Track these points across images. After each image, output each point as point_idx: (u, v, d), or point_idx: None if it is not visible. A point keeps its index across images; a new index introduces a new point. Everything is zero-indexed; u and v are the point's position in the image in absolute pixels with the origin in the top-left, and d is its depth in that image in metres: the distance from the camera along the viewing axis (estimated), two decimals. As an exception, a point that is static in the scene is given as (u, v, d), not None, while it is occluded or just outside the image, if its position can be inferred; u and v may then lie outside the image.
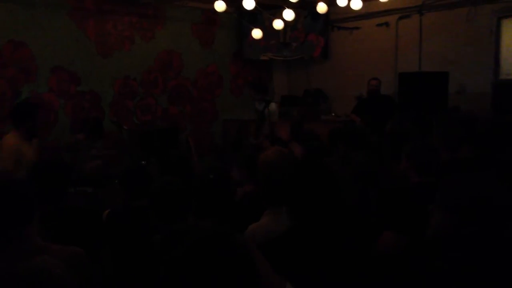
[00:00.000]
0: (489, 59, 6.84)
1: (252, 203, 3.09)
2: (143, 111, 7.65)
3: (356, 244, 2.17)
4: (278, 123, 6.40)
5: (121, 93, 7.35)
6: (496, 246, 1.79)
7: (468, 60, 6.96)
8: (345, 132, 4.42)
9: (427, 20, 7.42)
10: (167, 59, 7.85)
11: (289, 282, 1.67)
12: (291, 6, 6.75)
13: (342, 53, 8.68)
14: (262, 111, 6.29)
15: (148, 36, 7.57)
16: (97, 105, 7.08)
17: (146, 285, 2.49)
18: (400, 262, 2.28)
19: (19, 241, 2.08)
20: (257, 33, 7.34)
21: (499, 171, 3.08)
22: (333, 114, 8.42)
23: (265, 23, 8.09)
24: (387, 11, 7.75)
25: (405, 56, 7.73)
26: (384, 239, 2.46)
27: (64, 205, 3.00)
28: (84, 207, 3.79)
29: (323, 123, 7.61)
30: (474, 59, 6.91)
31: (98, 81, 7.05)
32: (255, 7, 6.49)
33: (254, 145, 5.98)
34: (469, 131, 3.77)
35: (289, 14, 6.74)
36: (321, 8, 6.69)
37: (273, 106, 6.36)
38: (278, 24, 7.25)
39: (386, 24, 7.96)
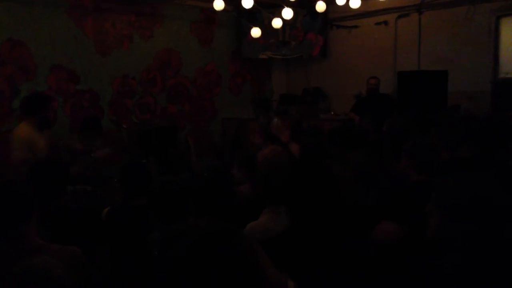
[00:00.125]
0: (488, 57, 6.84)
1: (251, 201, 3.09)
2: (142, 110, 7.64)
3: (355, 242, 2.17)
4: (277, 123, 6.38)
5: (120, 92, 7.34)
6: (494, 246, 1.79)
7: (467, 58, 6.96)
8: (344, 131, 4.42)
9: (426, 18, 7.42)
10: (166, 58, 7.85)
11: (290, 279, 1.67)
12: (290, 4, 6.75)
13: (341, 51, 8.68)
14: (266, 127, 6.29)
15: (146, 34, 7.57)
16: (96, 104, 7.07)
17: (146, 284, 2.48)
18: (399, 261, 2.28)
19: (17, 241, 2.08)
20: (256, 32, 7.34)
21: (497, 170, 3.09)
22: (332, 112, 8.42)
23: (264, 22, 8.09)
24: (386, 9, 7.75)
25: (404, 55, 7.73)
26: (383, 227, 2.46)
27: (63, 204, 3.00)
28: (83, 206, 3.79)
29: (322, 121, 7.60)
30: (473, 57, 6.92)
31: (97, 80, 7.05)
32: (254, 6, 6.49)
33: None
34: (468, 130, 3.78)
35: (288, 13, 6.73)
36: (320, 6, 6.68)
37: (275, 122, 6.32)
38: (277, 23, 7.25)
39: (385, 22, 7.95)
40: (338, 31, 8.69)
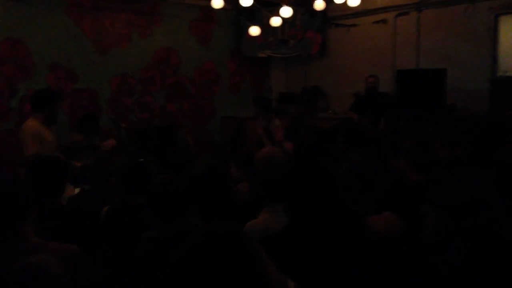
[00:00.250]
0: (487, 56, 6.84)
1: (248, 201, 3.10)
2: (141, 109, 7.64)
3: (354, 241, 2.17)
4: (277, 124, 6.37)
5: (119, 90, 7.34)
6: (491, 244, 1.80)
7: (466, 57, 6.96)
8: (343, 130, 4.42)
9: (424, 17, 7.42)
10: (164, 57, 7.84)
11: (290, 279, 1.68)
12: (289, 3, 6.75)
13: (340, 50, 8.68)
14: (266, 127, 6.29)
15: (145, 33, 7.56)
16: (95, 103, 7.07)
17: (145, 284, 2.48)
18: (398, 261, 2.28)
19: (15, 239, 2.08)
20: (255, 30, 7.34)
21: (494, 169, 3.09)
22: (331, 111, 8.42)
23: (263, 20, 8.08)
24: (384, 8, 7.76)
25: (402, 53, 7.74)
26: (382, 216, 2.46)
27: (62, 202, 3.00)
28: (82, 205, 3.79)
29: (321, 120, 7.60)
30: (472, 56, 6.92)
31: (95, 79, 7.04)
32: (253, 4, 6.49)
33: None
34: (466, 129, 3.78)
35: (287, 11, 6.73)
36: (319, 5, 6.68)
37: (275, 122, 6.31)
38: (276, 21, 7.25)
39: (384, 21, 7.95)
40: (337, 29, 8.69)
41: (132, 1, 7.30)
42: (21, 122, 6.19)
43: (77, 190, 4.06)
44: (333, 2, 6.64)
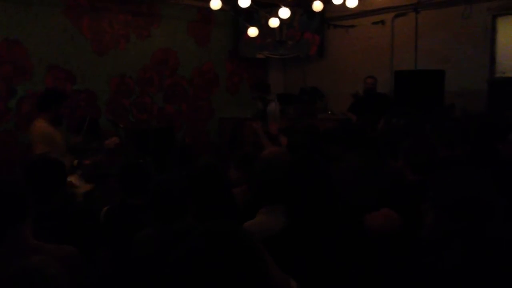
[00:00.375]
0: (485, 57, 6.86)
1: (250, 201, 3.09)
2: (139, 110, 7.64)
3: (353, 241, 2.17)
4: (275, 107, 6.41)
5: (117, 91, 7.33)
6: (489, 244, 1.80)
7: (464, 58, 6.98)
8: (342, 130, 4.42)
9: (423, 18, 7.43)
10: (162, 58, 7.84)
11: (292, 278, 1.68)
12: (287, 4, 6.76)
13: (338, 51, 8.69)
14: (263, 109, 6.31)
15: (143, 34, 7.56)
16: (93, 104, 7.06)
17: (144, 285, 2.48)
18: (397, 259, 2.29)
19: (12, 241, 2.07)
20: (253, 31, 7.34)
21: (493, 168, 3.10)
22: (329, 112, 8.43)
23: (261, 21, 8.09)
24: (382, 9, 7.77)
25: (401, 54, 7.74)
26: (381, 212, 2.46)
27: (60, 203, 3.00)
28: (81, 206, 3.79)
29: (319, 121, 7.61)
30: (470, 57, 6.94)
31: (94, 80, 7.04)
32: (251, 5, 6.49)
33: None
34: (464, 129, 3.79)
35: (285, 12, 6.74)
36: (317, 6, 6.70)
37: (272, 105, 6.34)
38: (274, 22, 7.26)
39: (382, 22, 7.97)
40: (335, 30, 8.70)
41: (130, 2, 7.30)
42: (19, 123, 6.24)
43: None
44: (331, 3, 6.65)
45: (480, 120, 4.54)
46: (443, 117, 4.84)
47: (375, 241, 2.23)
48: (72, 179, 4.41)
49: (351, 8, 6.72)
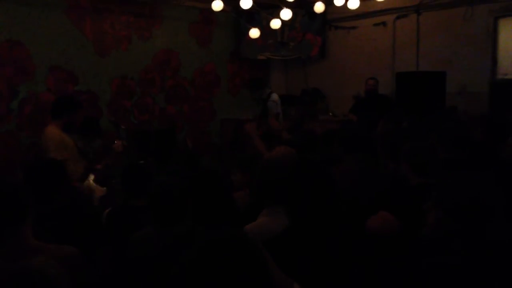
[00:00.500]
0: (486, 58, 6.86)
1: (255, 204, 3.09)
2: (141, 111, 7.64)
3: (354, 243, 2.18)
4: (275, 98, 6.43)
5: (119, 92, 7.34)
6: (489, 244, 1.80)
7: (465, 59, 6.97)
8: (341, 133, 4.42)
9: (424, 19, 7.43)
10: (164, 59, 7.85)
11: (295, 282, 1.68)
12: (289, 5, 6.76)
13: (339, 52, 8.69)
14: (264, 107, 6.32)
15: (145, 35, 7.57)
16: (95, 105, 7.07)
17: (144, 285, 2.48)
18: (398, 260, 2.29)
19: (13, 242, 2.08)
20: (254, 33, 7.34)
21: (496, 171, 3.10)
22: (330, 113, 8.43)
23: (263, 23, 8.09)
24: (384, 10, 7.76)
25: (402, 56, 7.74)
26: (379, 215, 2.47)
27: (61, 204, 3.00)
28: (82, 207, 3.79)
29: (321, 122, 7.61)
30: (472, 58, 6.93)
31: (95, 81, 7.04)
32: (253, 7, 6.49)
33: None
34: (466, 131, 3.79)
35: (286, 14, 6.74)
36: (319, 7, 6.70)
37: (271, 100, 6.36)
38: (275, 24, 7.26)
39: (384, 23, 7.97)
40: (337, 32, 8.70)
41: (132, 3, 7.31)
42: (21, 124, 6.25)
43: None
44: (333, 4, 6.65)
45: (483, 122, 4.54)
46: (445, 119, 4.83)
47: (375, 243, 2.24)
48: (88, 183, 4.44)
49: (353, 10, 6.72)
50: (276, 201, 2.57)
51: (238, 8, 6.78)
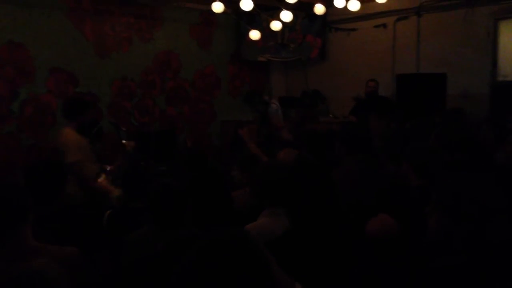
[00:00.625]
0: (487, 60, 6.86)
1: (250, 204, 3.09)
2: (141, 112, 7.64)
3: (355, 244, 2.18)
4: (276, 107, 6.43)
5: (119, 94, 7.34)
6: (489, 246, 1.80)
7: (465, 61, 6.97)
8: (341, 135, 4.42)
9: (424, 21, 7.43)
10: (165, 60, 7.85)
11: (297, 282, 1.68)
12: (289, 7, 6.76)
13: (339, 54, 8.69)
14: (265, 111, 6.33)
15: (146, 37, 7.57)
16: (95, 106, 7.06)
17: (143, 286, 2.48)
18: (399, 262, 2.29)
19: (13, 243, 2.08)
20: (255, 34, 7.35)
21: (496, 172, 3.10)
22: (331, 115, 8.41)
23: (263, 24, 8.09)
24: (384, 12, 7.76)
25: (402, 58, 7.74)
26: (378, 218, 2.46)
27: (62, 206, 3.00)
28: (83, 208, 3.80)
29: (321, 124, 7.61)
30: (472, 60, 6.93)
31: (96, 82, 7.05)
32: (253, 8, 6.50)
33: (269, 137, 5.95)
34: (467, 132, 3.79)
35: (287, 16, 6.75)
36: (319, 9, 6.71)
37: (273, 108, 6.36)
38: (276, 25, 7.27)
39: (384, 25, 7.97)
40: (337, 33, 8.70)
41: (132, 5, 7.32)
42: (22, 126, 6.25)
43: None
44: (333, 6, 6.66)
45: (484, 124, 4.54)
46: (450, 121, 4.82)
47: (375, 245, 2.24)
48: (104, 185, 4.46)
49: (353, 12, 6.73)
50: (276, 202, 2.57)
51: (239, 10, 6.78)
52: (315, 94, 8.71)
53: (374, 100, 7.20)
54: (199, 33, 8.27)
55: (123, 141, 5.23)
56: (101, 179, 4.54)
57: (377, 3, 6.90)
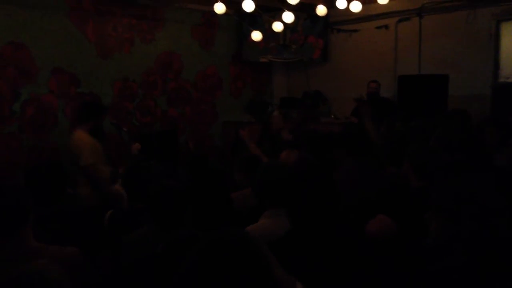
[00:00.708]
0: (489, 62, 6.85)
1: (251, 205, 3.09)
2: (143, 113, 7.65)
3: (355, 245, 2.18)
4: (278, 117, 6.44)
5: (121, 95, 7.34)
6: (493, 247, 1.80)
7: (467, 63, 6.97)
8: (342, 136, 4.42)
9: (426, 23, 7.43)
10: (166, 61, 7.85)
11: (299, 281, 1.68)
12: (291, 8, 6.77)
13: (341, 55, 8.69)
14: (266, 124, 6.35)
15: (148, 38, 7.58)
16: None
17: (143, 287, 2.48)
18: (398, 262, 2.29)
19: (14, 244, 2.08)
20: (256, 35, 7.35)
21: (495, 173, 3.09)
22: (332, 116, 8.42)
23: (265, 26, 8.10)
24: (386, 13, 7.76)
25: (404, 59, 7.74)
26: (377, 219, 2.46)
27: (63, 206, 3.01)
28: (84, 208, 3.80)
29: (323, 125, 7.61)
30: (474, 62, 6.93)
31: (97, 83, 7.05)
32: (255, 9, 6.50)
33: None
34: (468, 133, 3.78)
35: (288, 17, 6.75)
36: (321, 10, 6.71)
37: (274, 113, 6.39)
38: (277, 27, 7.27)
39: (386, 26, 7.97)
40: (339, 34, 8.70)
41: (134, 6, 7.32)
42: (23, 126, 6.25)
43: None
44: (335, 7, 6.66)
45: (485, 124, 4.53)
46: (453, 122, 4.81)
47: (375, 245, 2.24)
48: (117, 187, 4.47)
49: (355, 13, 6.73)
50: (277, 203, 2.57)
51: (241, 11, 6.79)
52: (316, 95, 8.71)
53: (376, 101, 7.19)
54: (201, 34, 8.27)
55: (132, 144, 5.26)
56: (118, 184, 4.53)
57: (379, 4, 6.90)
